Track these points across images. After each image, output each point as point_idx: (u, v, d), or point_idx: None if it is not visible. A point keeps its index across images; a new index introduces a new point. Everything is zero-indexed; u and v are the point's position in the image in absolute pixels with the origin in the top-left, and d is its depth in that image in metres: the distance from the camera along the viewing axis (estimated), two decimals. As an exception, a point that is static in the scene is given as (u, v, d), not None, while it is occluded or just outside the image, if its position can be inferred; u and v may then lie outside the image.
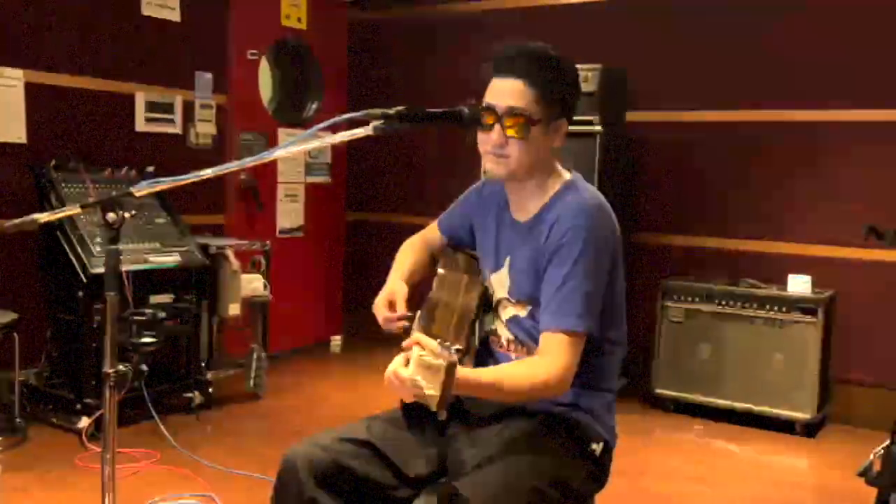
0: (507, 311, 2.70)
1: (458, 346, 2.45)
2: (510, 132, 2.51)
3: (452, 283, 2.80)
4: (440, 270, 2.87)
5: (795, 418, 5.75)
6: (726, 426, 5.92)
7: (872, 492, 3.31)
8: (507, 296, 2.69)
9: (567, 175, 2.69)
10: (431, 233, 3.07)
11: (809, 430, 5.77)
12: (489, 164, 2.61)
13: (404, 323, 2.70)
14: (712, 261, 6.45)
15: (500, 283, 2.72)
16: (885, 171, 5.89)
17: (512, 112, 2.50)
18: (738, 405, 5.91)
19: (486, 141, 2.56)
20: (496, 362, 2.72)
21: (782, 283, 5.93)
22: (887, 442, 3.38)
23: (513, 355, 2.70)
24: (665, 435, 5.86)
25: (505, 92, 2.51)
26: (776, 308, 5.80)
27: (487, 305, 2.78)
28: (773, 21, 6.18)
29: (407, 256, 2.99)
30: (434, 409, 2.03)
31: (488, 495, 2.30)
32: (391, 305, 2.74)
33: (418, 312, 2.67)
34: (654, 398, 6.23)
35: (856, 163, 5.98)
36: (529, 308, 2.62)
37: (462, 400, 2.61)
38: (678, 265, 6.47)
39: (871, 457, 4.23)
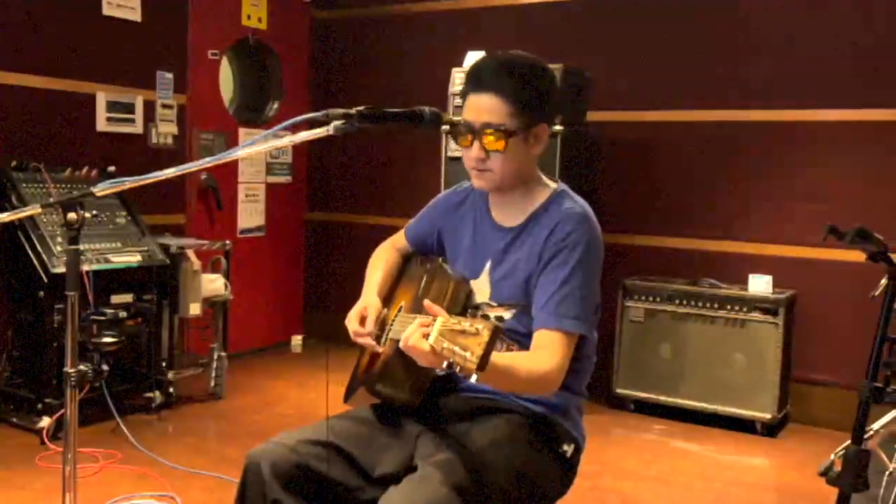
0: (492, 314, 2.67)
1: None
2: (489, 146, 2.54)
3: (439, 287, 2.70)
4: (424, 278, 2.77)
5: (756, 418, 5.78)
6: (687, 426, 5.95)
7: (833, 492, 3.32)
8: (487, 301, 2.68)
9: (553, 184, 2.73)
10: (399, 241, 3.07)
11: (770, 429, 5.81)
12: (474, 180, 2.66)
13: (370, 342, 2.70)
14: (673, 261, 6.48)
15: (479, 289, 2.71)
16: (845, 171, 5.94)
17: (488, 127, 2.52)
18: (699, 405, 5.94)
19: (468, 157, 2.60)
20: None
21: (743, 283, 5.97)
22: (848, 442, 3.40)
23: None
24: (625, 435, 5.88)
25: (480, 108, 2.53)
26: (737, 308, 5.83)
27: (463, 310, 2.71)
28: (734, 21, 6.23)
29: (379, 267, 2.98)
30: (473, 372, 1.96)
31: (454, 487, 2.28)
32: (363, 320, 2.73)
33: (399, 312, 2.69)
34: (615, 398, 6.25)
35: (816, 163, 6.03)
36: (514, 311, 2.62)
37: (432, 396, 2.64)
38: (639, 265, 6.49)
39: (832, 457, 4.28)
